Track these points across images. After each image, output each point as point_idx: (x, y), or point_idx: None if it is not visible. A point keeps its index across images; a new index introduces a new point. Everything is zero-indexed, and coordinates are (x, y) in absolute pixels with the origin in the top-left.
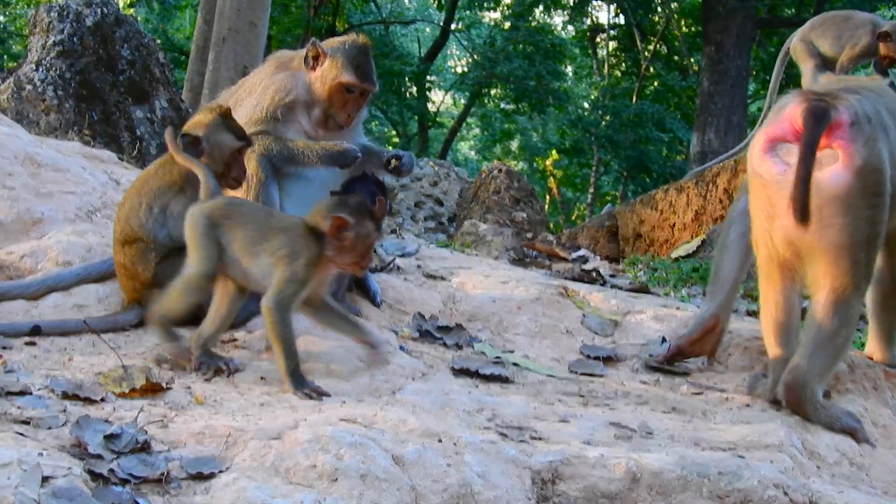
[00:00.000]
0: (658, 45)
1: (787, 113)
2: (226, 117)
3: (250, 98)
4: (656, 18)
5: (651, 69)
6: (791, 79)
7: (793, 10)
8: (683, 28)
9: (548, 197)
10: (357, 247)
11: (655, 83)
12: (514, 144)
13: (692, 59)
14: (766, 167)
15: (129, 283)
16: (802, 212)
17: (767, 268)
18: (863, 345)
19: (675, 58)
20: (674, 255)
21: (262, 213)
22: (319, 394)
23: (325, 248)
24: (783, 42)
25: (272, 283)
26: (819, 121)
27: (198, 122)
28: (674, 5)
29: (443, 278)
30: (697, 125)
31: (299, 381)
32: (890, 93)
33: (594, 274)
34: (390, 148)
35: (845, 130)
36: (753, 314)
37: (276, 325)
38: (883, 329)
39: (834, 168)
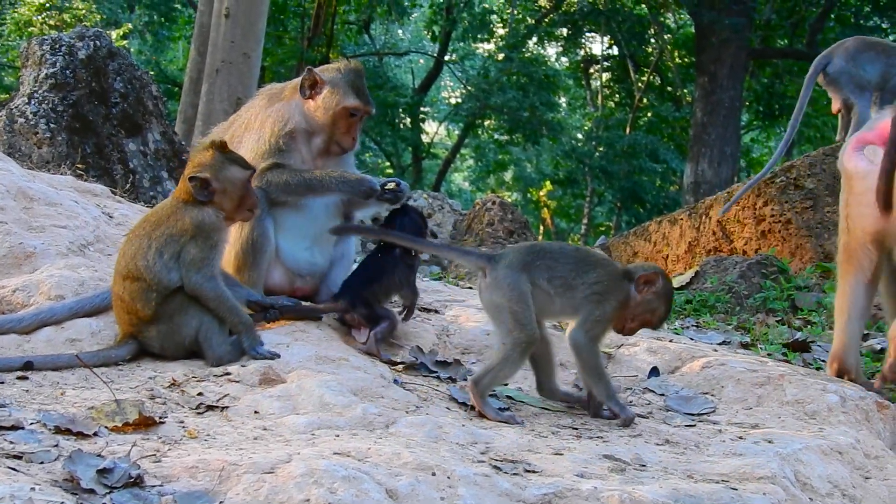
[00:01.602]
0: (651, 76)
1: (881, 122)
2: (224, 151)
3: (249, 134)
4: (650, 49)
5: (644, 100)
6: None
7: (786, 41)
8: (677, 59)
9: (542, 228)
10: (651, 306)
11: (649, 114)
12: (508, 175)
13: (685, 90)
14: (853, 164)
15: (127, 317)
16: (886, 201)
17: (846, 260)
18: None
19: (669, 89)
20: None
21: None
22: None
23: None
24: (777, 73)
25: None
26: None
27: (200, 164)
28: (667, 36)
29: (436, 311)
30: (691, 156)
31: (623, 406)
32: None
33: None
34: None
35: None
36: (746, 346)
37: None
38: None
39: None
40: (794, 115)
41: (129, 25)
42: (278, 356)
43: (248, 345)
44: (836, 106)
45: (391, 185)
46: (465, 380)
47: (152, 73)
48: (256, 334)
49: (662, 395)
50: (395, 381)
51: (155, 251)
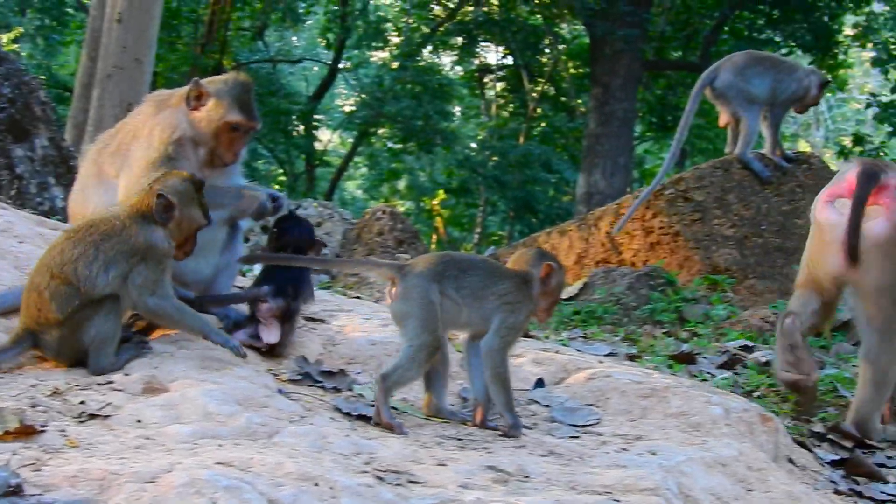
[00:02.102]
0: (546, 87)
1: (848, 175)
2: (199, 191)
3: (138, 142)
4: (544, 60)
5: (538, 110)
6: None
7: (680, 53)
8: (571, 70)
9: (434, 237)
10: (555, 293)
11: (543, 124)
12: (402, 184)
13: (579, 101)
14: (824, 216)
15: (36, 313)
16: (852, 254)
17: (805, 287)
18: None
19: (563, 99)
20: None
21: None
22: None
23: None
24: (670, 85)
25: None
26: (869, 179)
27: (172, 187)
28: (561, 47)
29: (323, 321)
30: (584, 166)
31: (517, 420)
32: None
33: None
34: (276, 187)
35: (892, 191)
36: (632, 358)
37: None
38: None
39: (878, 220)
40: (679, 128)
41: (21, 29)
42: (244, 355)
43: (222, 341)
44: (723, 119)
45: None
46: (351, 390)
47: (43, 77)
48: (222, 332)
49: (547, 406)
50: (280, 391)
51: (102, 264)
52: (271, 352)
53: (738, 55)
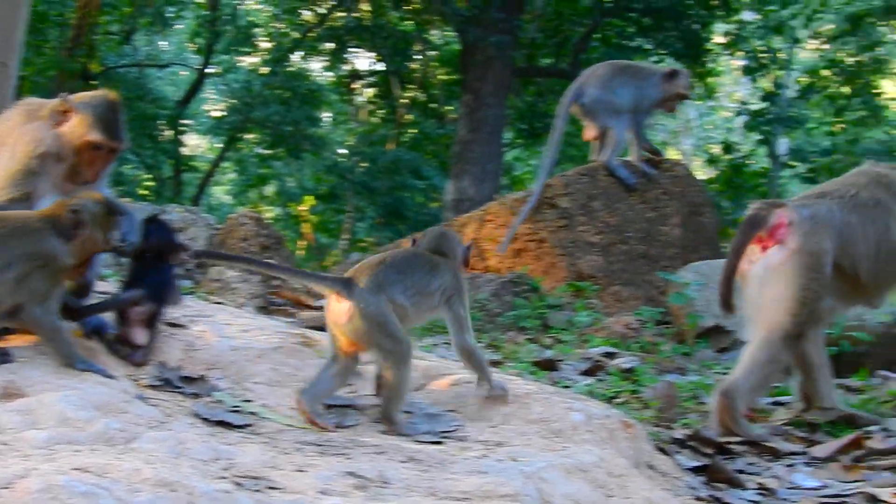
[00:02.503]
0: (416, 93)
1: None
2: (112, 217)
3: (3, 150)
4: (415, 66)
5: (409, 116)
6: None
7: (550, 60)
8: (441, 76)
9: (303, 243)
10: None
11: (413, 130)
12: (270, 189)
13: (450, 107)
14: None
15: None
16: (725, 303)
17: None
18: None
19: (433, 105)
20: None
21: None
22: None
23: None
24: (541, 92)
25: None
26: (750, 227)
27: (86, 207)
28: (432, 53)
29: (183, 326)
30: (453, 173)
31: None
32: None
33: None
34: (143, 192)
35: (784, 228)
36: (496, 364)
37: None
38: None
39: (777, 255)
40: (551, 148)
41: None
42: (111, 376)
43: (85, 367)
44: (590, 133)
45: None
46: (210, 396)
47: None
48: (86, 360)
49: (409, 412)
50: (139, 397)
51: (3, 262)
52: (138, 357)
53: (600, 67)
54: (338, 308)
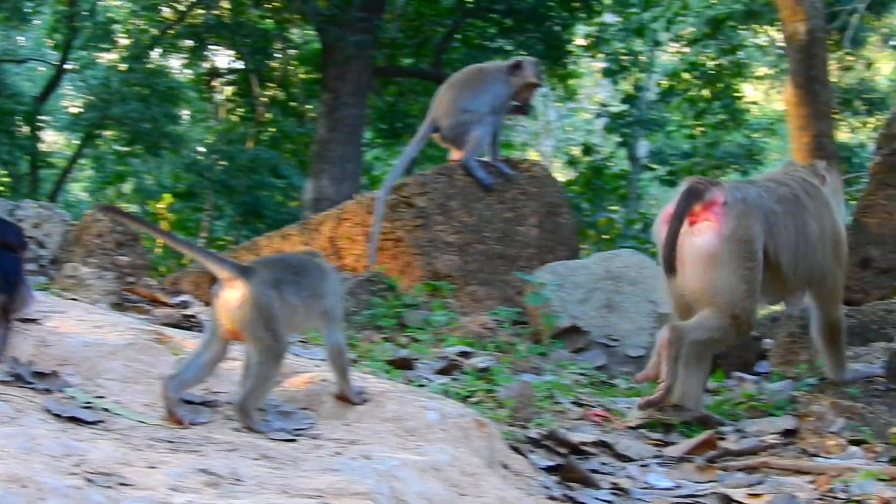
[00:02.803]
0: (276, 92)
1: (679, 194)
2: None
3: None
4: (275, 65)
5: (268, 115)
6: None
7: (411, 60)
8: (301, 75)
9: (160, 241)
10: None
11: (272, 129)
12: (128, 187)
13: (309, 107)
14: (662, 234)
15: None
16: (667, 266)
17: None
18: None
19: (293, 104)
20: None
21: None
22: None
23: None
24: (401, 92)
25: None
26: (690, 196)
27: None
28: (292, 52)
29: (36, 321)
30: (312, 172)
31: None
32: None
33: (193, 319)
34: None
35: (719, 207)
36: (352, 363)
37: None
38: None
39: (705, 234)
40: (400, 165)
41: None
42: None
43: None
44: (456, 156)
45: None
46: (62, 391)
47: None
48: None
49: (263, 409)
50: None
51: None
52: None
53: (444, 93)
54: (231, 293)
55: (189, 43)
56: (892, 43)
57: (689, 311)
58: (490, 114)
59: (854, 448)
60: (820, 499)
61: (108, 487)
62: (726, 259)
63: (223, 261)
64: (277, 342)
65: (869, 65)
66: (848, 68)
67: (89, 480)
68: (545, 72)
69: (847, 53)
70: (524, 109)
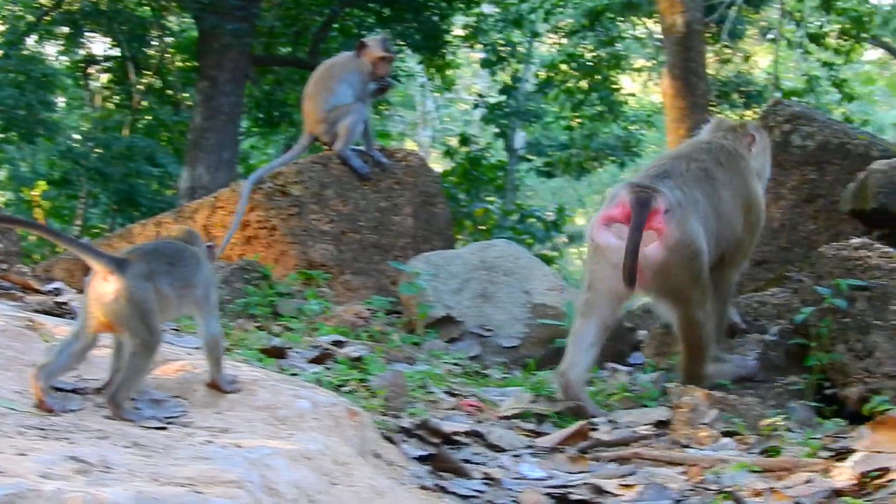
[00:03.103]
0: (152, 79)
1: (620, 199)
2: None
3: None
4: (152, 52)
5: (144, 103)
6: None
7: (288, 49)
8: (178, 63)
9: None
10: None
11: (148, 117)
12: (2, 174)
13: (186, 95)
14: (603, 238)
15: None
16: (630, 279)
17: (585, 315)
18: None
19: (169, 92)
20: None
21: None
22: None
23: None
24: (278, 81)
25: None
26: (644, 207)
27: None
28: (169, 40)
29: None
30: (188, 160)
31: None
32: (703, 152)
33: (66, 306)
34: None
35: (661, 216)
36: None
37: None
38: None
39: (653, 245)
40: (278, 162)
41: None
42: None
43: None
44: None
45: None
46: None
47: None
48: None
49: (133, 398)
50: None
51: None
52: None
53: (306, 102)
54: (104, 286)
55: (65, 30)
56: (769, 36)
57: (608, 313)
58: (355, 102)
59: (726, 439)
60: (692, 490)
61: None
62: (674, 268)
63: (98, 253)
64: (152, 335)
65: (746, 58)
66: (726, 61)
67: None
68: (397, 47)
69: (725, 46)
70: (386, 86)
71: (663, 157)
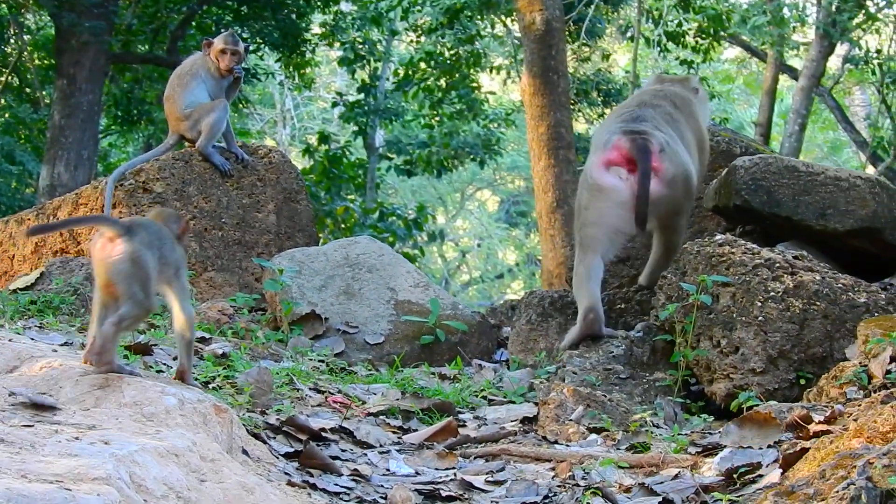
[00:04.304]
0: (10, 77)
1: (615, 144)
2: None
3: None
4: (9, 50)
5: (2, 101)
6: None
7: (147, 47)
8: (36, 60)
9: None
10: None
11: (6, 115)
12: None
13: (44, 92)
14: (606, 181)
15: None
16: (641, 221)
17: (592, 252)
18: None
19: (28, 90)
20: (12, 286)
21: None
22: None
23: None
24: (137, 78)
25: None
26: (645, 153)
27: None
28: (27, 37)
29: None
30: (47, 158)
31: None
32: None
33: None
34: None
35: (657, 156)
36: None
37: None
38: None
39: (654, 183)
40: (140, 158)
41: None
42: None
43: None
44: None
45: None
46: None
47: None
48: None
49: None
50: None
51: None
52: None
53: (167, 107)
54: (112, 247)
55: None
56: (628, 35)
57: (611, 250)
58: (212, 99)
59: (593, 436)
60: (560, 486)
61: None
62: (676, 197)
63: (115, 222)
64: (147, 298)
65: (605, 56)
66: (585, 59)
67: None
68: (254, 45)
69: (583, 44)
70: (238, 77)
71: (626, 105)
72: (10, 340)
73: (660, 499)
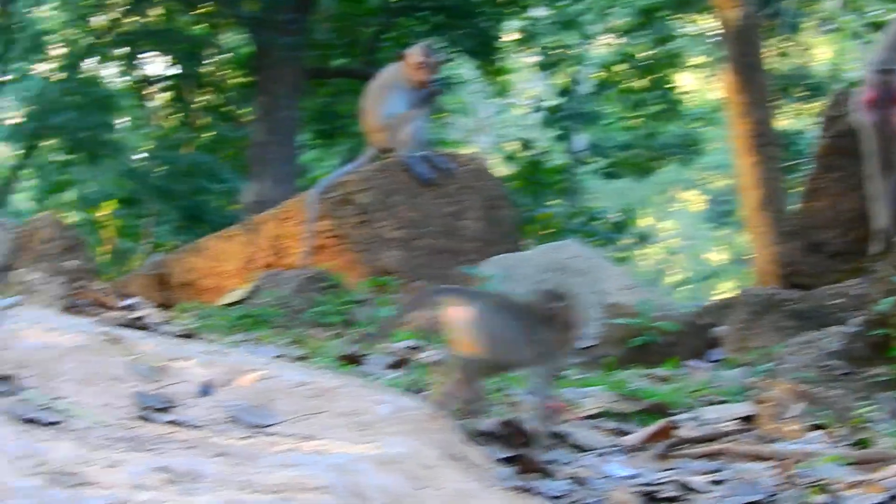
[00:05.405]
0: (211, 96)
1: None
2: None
3: None
4: (208, 69)
5: (206, 119)
6: None
7: (343, 61)
8: (235, 79)
9: (105, 247)
10: None
11: (209, 133)
12: (71, 195)
13: (245, 110)
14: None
15: None
16: None
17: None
18: None
19: (228, 108)
20: (225, 301)
21: None
22: None
23: None
24: (335, 92)
25: None
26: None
27: None
28: (225, 56)
29: None
30: (251, 175)
31: None
32: None
33: (143, 321)
34: None
35: None
36: (301, 360)
37: None
38: None
39: None
40: (343, 169)
41: None
42: None
43: None
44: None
45: None
46: (19, 394)
47: None
48: None
49: (216, 407)
50: None
51: None
52: None
53: (366, 119)
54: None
55: (123, 50)
56: (828, 28)
57: None
58: (410, 110)
59: (814, 433)
60: (783, 484)
61: (71, 487)
62: None
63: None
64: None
65: (805, 50)
66: (784, 54)
67: (51, 480)
68: (449, 54)
69: (783, 39)
70: (435, 91)
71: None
72: (225, 354)
73: (888, 495)
